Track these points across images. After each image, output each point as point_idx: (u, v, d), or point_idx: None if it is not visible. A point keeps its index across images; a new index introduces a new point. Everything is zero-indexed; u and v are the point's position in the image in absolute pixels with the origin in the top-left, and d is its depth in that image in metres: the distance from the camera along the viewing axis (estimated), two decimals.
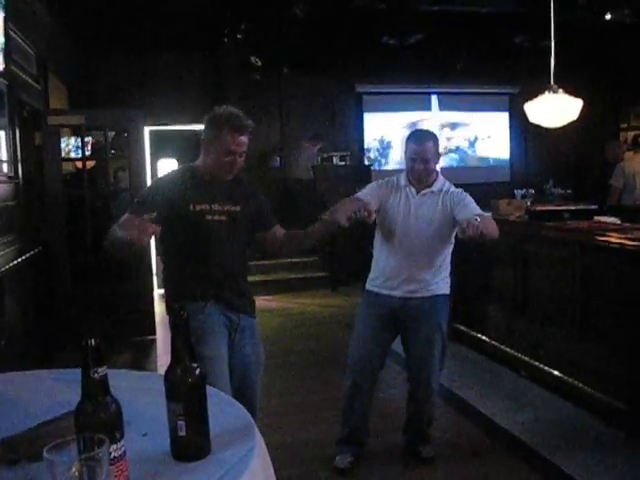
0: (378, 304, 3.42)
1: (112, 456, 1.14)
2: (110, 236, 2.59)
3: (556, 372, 4.40)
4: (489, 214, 3.32)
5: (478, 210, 3.22)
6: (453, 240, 3.39)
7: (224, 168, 2.75)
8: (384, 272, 3.40)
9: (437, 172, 3.39)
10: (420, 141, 3.31)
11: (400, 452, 3.70)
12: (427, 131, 3.50)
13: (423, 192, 3.33)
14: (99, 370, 1.19)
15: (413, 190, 3.34)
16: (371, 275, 3.50)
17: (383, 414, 4.01)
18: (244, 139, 2.70)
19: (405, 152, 3.36)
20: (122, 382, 1.73)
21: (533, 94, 6.06)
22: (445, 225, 3.30)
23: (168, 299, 2.90)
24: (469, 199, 3.30)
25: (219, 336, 2.79)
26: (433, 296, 3.37)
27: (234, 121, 2.67)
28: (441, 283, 3.40)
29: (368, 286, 3.50)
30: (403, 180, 3.39)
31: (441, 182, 3.37)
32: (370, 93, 10.58)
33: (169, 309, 2.83)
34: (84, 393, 1.21)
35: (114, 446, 1.16)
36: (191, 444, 1.36)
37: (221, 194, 2.81)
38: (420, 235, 3.29)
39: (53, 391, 1.79)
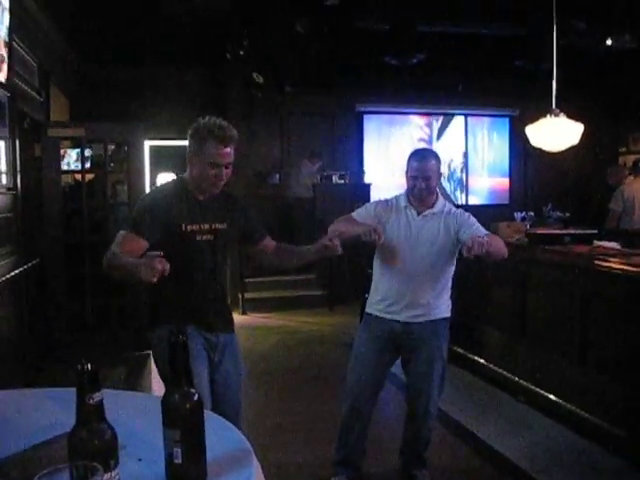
0: (379, 328, 3.36)
1: None
2: (113, 260, 2.51)
3: (554, 397, 4.36)
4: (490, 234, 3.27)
5: (483, 231, 3.20)
6: (455, 262, 3.35)
7: (209, 181, 2.67)
8: (387, 296, 3.34)
9: (437, 193, 3.36)
10: (422, 159, 3.26)
11: (396, 475, 3.65)
12: (429, 149, 3.49)
13: (424, 213, 3.28)
14: (94, 396, 1.16)
15: (414, 212, 3.29)
16: (372, 298, 3.44)
17: (379, 435, 3.96)
18: (229, 150, 2.62)
19: (406, 171, 3.31)
20: (119, 403, 1.71)
21: (533, 117, 6.07)
22: (447, 247, 3.26)
23: (148, 320, 2.86)
24: (473, 219, 3.28)
25: (199, 360, 2.73)
26: (435, 320, 3.33)
27: (218, 132, 2.59)
28: (443, 307, 3.36)
29: (369, 309, 3.44)
30: (403, 201, 3.33)
31: (442, 203, 3.34)
32: (370, 112, 10.60)
33: (149, 330, 2.80)
34: (78, 419, 1.17)
35: (108, 475, 1.12)
36: (187, 472, 1.32)
37: (210, 212, 2.76)
38: (423, 258, 3.24)
39: (48, 411, 1.74)
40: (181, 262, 2.62)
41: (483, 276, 5.40)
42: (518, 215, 6.34)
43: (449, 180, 11.03)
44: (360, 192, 9.49)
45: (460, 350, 5.60)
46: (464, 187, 11.20)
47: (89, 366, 1.15)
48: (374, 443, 3.59)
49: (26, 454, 1.37)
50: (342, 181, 9.57)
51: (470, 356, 5.46)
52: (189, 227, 2.69)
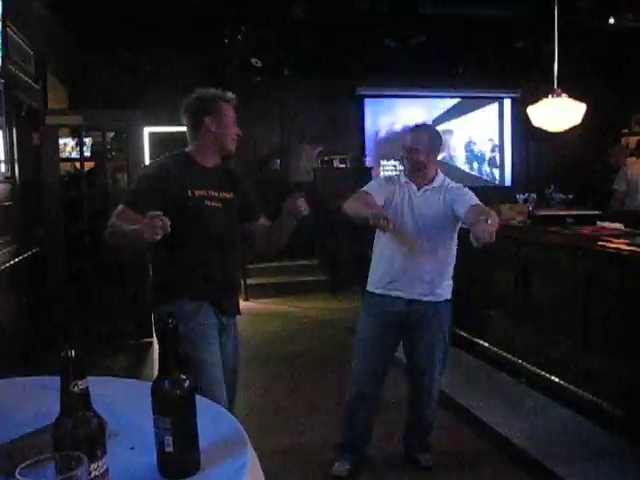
0: (381, 308, 3.32)
1: (92, 476, 1.07)
2: (114, 229, 2.55)
3: (556, 379, 4.34)
4: (482, 205, 3.16)
5: (475, 200, 3.16)
6: (456, 238, 3.32)
7: (232, 140, 2.83)
8: (388, 272, 3.30)
9: (437, 169, 3.34)
10: (413, 130, 3.32)
11: (399, 459, 3.64)
12: (425, 124, 3.46)
13: (425, 188, 3.27)
14: (79, 383, 1.12)
15: (414, 187, 3.28)
16: (373, 276, 3.39)
17: (382, 419, 3.94)
18: (235, 114, 2.85)
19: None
20: (112, 391, 1.69)
21: (535, 98, 6.01)
22: (448, 221, 3.23)
23: (156, 295, 2.81)
24: (466, 190, 3.26)
25: (215, 340, 2.75)
26: (438, 302, 3.30)
27: (230, 97, 2.83)
28: (446, 288, 3.33)
29: (370, 288, 3.39)
30: (403, 177, 3.34)
31: (441, 178, 3.32)
32: (371, 96, 10.52)
33: (154, 308, 2.78)
34: (63, 408, 1.14)
35: (94, 465, 1.09)
36: (179, 460, 1.29)
37: (215, 180, 2.82)
38: (424, 232, 3.21)
39: (35, 400, 1.70)
40: (193, 230, 2.67)
41: (485, 258, 5.37)
42: (520, 197, 6.30)
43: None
44: (361, 176, 9.44)
45: (463, 333, 5.58)
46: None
47: (73, 352, 1.12)
48: (376, 427, 3.57)
49: (13, 444, 1.34)
50: (343, 165, 9.52)
51: (473, 339, 5.44)
52: (197, 192, 2.72)
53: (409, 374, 3.54)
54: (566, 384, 4.24)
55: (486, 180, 11.07)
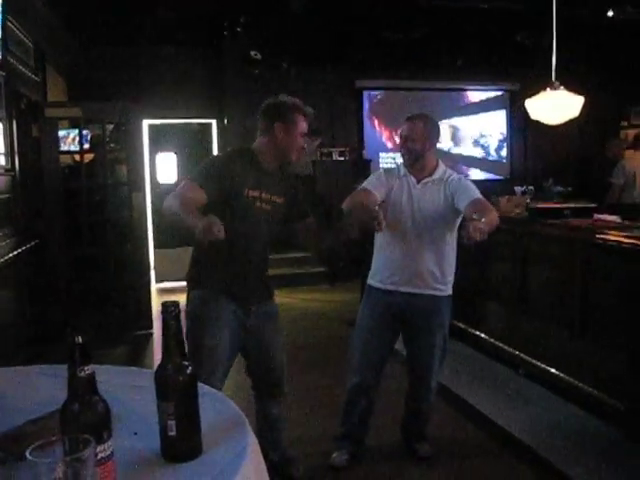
0: (381, 301, 3.34)
1: (99, 457, 1.10)
2: (173, 207, 2.64)
3: (555, 371, 4.37)
4: (483, 200, 3.18)
5: (477, 194, 3.16)
6: (456, 231, 3.31)
7: (298, 150, 2.94)
8: (389, 266, 3.31)
9: (437, 160, 3.33)
10: (409, 119, 3.29)
11: (397, 450, 3.67)
12: (421, 113, 3.38)
13: (424, 181, 3.26)
14: (86, 368, 1.16)
15: (413, 179, 3.27)
16: (373, 270, 3.41)
17: (381, 410, 3.97)
18: (307, 125, 2.96)
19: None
20: (115, 379, 1.72)
21: (533, 91, 6.03)
22: (449, 214, 3.22)
23: (190, 284, 3.00)
24: (467, 183, 3.26)
25: (222, 323, 2.86)
26: (440, 297, 3.31)
27: (305, 109, 2.95)
28: (448, 284, 3.33)
29: (371, 281, 3.41)
30: (402, 170, 3.33)
31: (442, 170, 3.30)
32: (370, 88, 10.53)
33: (190, 287, 2.97)
34: (70, 392, 1.17)
35: (101, 447, 1.12)
36: (182, 444, 1.32)
37: (273, 183, 2.93)
38: (424, 226, 3.21)
39: (42, 387, 1.75)
40: (238, 227, 2.76)
41: (484, 250, 5.39)
42: (518, 189, 6.33)
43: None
44: (360, 168, 9.48)
45: (461, 324, 5.61)
46: None
47: (80, 338, 1.15)
48: (375, 417, 3.60)
49: (21, 429, 1.37)
50: (342, 158, 9.55)
51: (471, 330, 5.47)
52: (251, 192, 2.84)
53: (408, 366, 3.56)
54: (564, 376, 4.27)
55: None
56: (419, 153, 3.24)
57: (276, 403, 3.18)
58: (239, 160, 2.88)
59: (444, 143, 10.59)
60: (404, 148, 3.27)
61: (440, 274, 3.28)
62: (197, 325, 2.84)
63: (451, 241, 3.31)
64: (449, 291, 3.36)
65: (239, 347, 3.00)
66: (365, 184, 3.31)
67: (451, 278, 3.36)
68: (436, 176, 3.26)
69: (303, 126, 2.92)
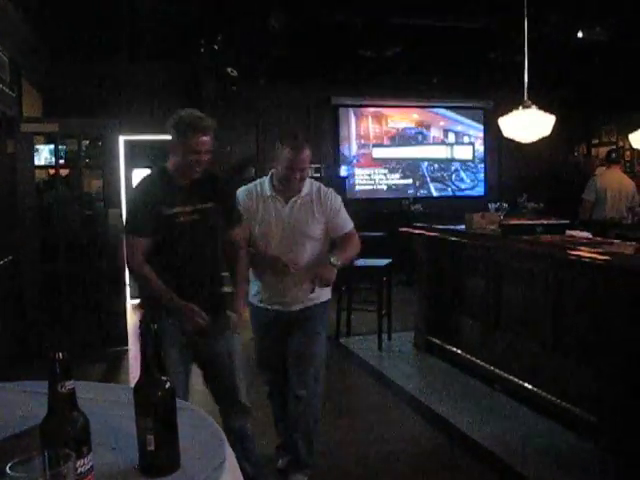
0: (263, 316, 3.38)
1: (79, 472, 1.12)
2: (147, 280, 2.86)
3: (529, 385, 4.42)
4: (350, 232, 3.33)
5: (349, 225, 3.31)
6: (327, 239, 3.33)
7: (191, 166, 2.88)
8: (265, 287, 3.31)
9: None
10: (299, 149, 3.14)
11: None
12: (303, 138, 3.24)
13: (293, 200, 3.23)
14: (66, 384, 1.17)
15: (282, 200, 3.24)
16: (251, 289, 3.38)
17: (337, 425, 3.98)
18: (206, 139, 2.86)
19: (279, 159, 3.19)
20: (92, 394, 1.72)
21: (507, 109, 6.13)
22: (319, 229, 3.25)
23: (144, 310, 3.08)
24: (342, 209, 3.32)
25: (168, 342, 2.78)
26: (316, 305, 3.32)
27: (197, 123, 2.85)
28: (322, 290, 3.30)
29: (250, 299, 3.39)
30: (268, 190, 3.26)
31: (308, 185, 3.27)
32: (345, 105, 10.62)
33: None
34: (50, 407, 1.18)
35: (81, 461, 1.14)
36: (160, 459, 1.34)
37: (193, 194, 2.92)
38: (297, 245, 3.20)
39: (20, 404, 1.75)
40: (168, 247, 2.85)
41: (458, 266, 5.46)
42: (492, 206, 6.41)
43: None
44: (336, 185, 9.51)
45: (436, 340, 5.66)
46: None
47: (61, 354, 1.17)
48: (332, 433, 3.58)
49: (0, 445, 1.38)
50: (318, 174, 9.58)
51: (446, 346, 5.52)
52: (169, 211, 2.85)
53: (292, 379, 3.43)
54: (538, 390, 4.32)
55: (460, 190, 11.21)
56: (306, 177, 3.24)
57: (238, 417, 3.13)
58: (154, 184, 2.95)
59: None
60: (297, 180, 3.18)
61: (318, 289, 3.26)
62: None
63: (323, 252, 3.30)
64: (324, 297, 3.37)
65: (191, 362, 3.03)
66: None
67: (324, 289, 3.34)
68: (303, 193, 3.24)
69: (200, 140, 2.84)
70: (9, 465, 1.01)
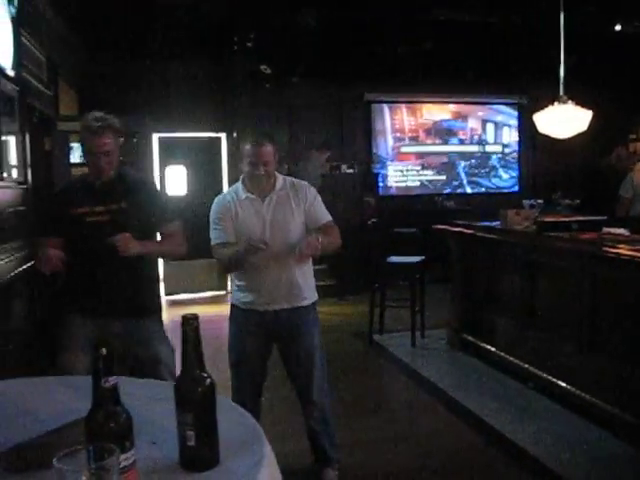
0: (248, 320, 3.26)
1: (122, 466, 1.13)
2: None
3: (564, 384, 4.37)
4: (330, 223, 3.27)
5: (327, 216, 3.25)
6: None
7: (91, 169, 2.94)
8: (250, 287, 3.23)
9: (275, 174, 3.26)
10: (256, 144, 3.13)
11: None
12: (265, 135, 3.24)
13: (268, 197, 3.20)
14: (110, 379, 1.19)
15: (257, 199, 3.21)
16: (236, 290, 3.32)
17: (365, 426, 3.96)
18: (103, 140, 2.86)
19: (242, 157, 3.19)
20: (132, 390, 1.74)
21: (542, 104, 6.06)
22: (300, 220, 3.21)
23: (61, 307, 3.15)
24: (318, 200, 3.28)
25: (77, 343, 2.95)
26: (305, 307, 3.27)
27: (91, 125, 2.86)
28: (310, 290, 3.29)
29: (234, 301, 3.33)
30: (242, 191, 3.23)
31: (281, 181, 3.26)
32: (379, 101, 10.59)
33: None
34: (95, 402, 1.21)
35: (124, 455, 1.15)
36: (200, 454, 1.36)
37: (105, 194, 2.96)
38: (281, 241, 3.14)
39: (61, 398, 1.79)
40: (79, 246, 2.89)
41: (492, 264, 5.42)
42: (527, 202, 6.33)
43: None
44: (369, 181, 9.54)
45: (470, 338, 5.63)
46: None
47: (105, 350, 1.19)
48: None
49: (43, 439, 1.40)
50: (350, 170, 9.59)
51: (480, 343, 5.49)
52: (78, 210, 2.91)
53: (294, 383, 3.44)
54: (573, 389, 4.27)
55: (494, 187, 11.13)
56: (272, 172, 3.21)
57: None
58: (68, 186, 3.11)
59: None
60: (261, 175, 3.15)
61: (301, 283, 3.24)
62: (57, 342, 3.02)
63: None
64: (313, 298, 3.33)
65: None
66: (216, 239, 3.20)
67: (313, 283, 3.33)
68: (277, 188, 3.22)
69: (94, 142, 2.85)
70: (56, 458, 1.03)
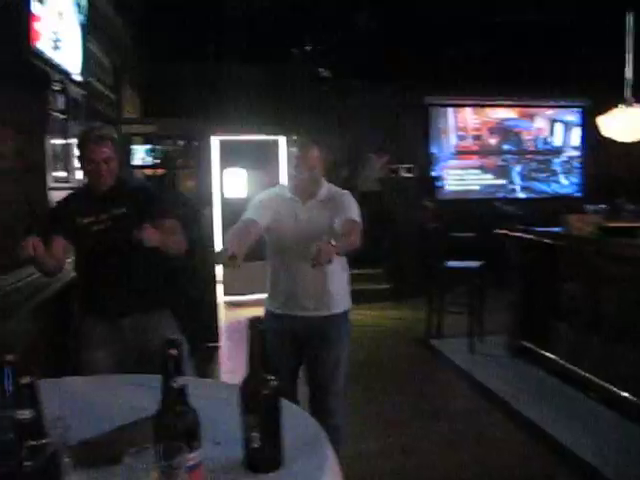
0: (279, 326, 3.18)
1: (189, 464, 1.15)
2: None
3: (628, 395, 4.26)
4: (354, 220, 3.09)
5: (352, 214, 3.10)
6: None
7: (92, 178, 2.96)
8: (282, 291, 3.19)
9: (322, 180, 3.21)
10: (304, 147, 3.14)
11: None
12: (311, 139, 3.22)
13: (310, 203, 3.16)
14: (178, 380, 1.22)
15: (299, 201, 3.17)
16: (268, 295, 3.29)
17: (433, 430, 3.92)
18: (102, 148, 2.91)
19: (290, 160, 3.21)
20: (196, 390, 1.77)
21: (606, 107, 5.93)
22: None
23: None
24: (348, 202, 3.17)
25: (99, 349, 3.00)
26: (337, 314, 3.20)
27: (89, 133, 2.95)
28: (341, 299, 3.23)
29: (267, 306, 3.29)
30: (287, 192, 3.21)
31: (326, 189, 3.21)
32: (437, 105, 10.53)
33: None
34: (163, 402, 1.23)
35: (191, 455, 1.18)
36: (264, 456, 1.37)
37: (107, 201, 3.00)
38: (311, 244, 2.98)
39: (127, 396, 1.83)
40: (86, 254, 3.01)
41: (553, 269, 5.32)
42: (590, 208, 6.20)
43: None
44: (426, 185, 9.50)
45: (529, 344, 5.53)
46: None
47: (174, 352, 1.21)
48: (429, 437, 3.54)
49: (112, 435, 1.44)
50: (409, 174, 9.56)
51: (539, 351, 5.39)
52: (84, 220, 2.97)
53: (310, 390, 3.32)
54: (636, 399, 4.16)
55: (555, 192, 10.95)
56: (318, 178, 3.17)
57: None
58: (73, 195, 3.14)
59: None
60: (305, 179, 3.13)
61: (333, 291, 3.18)
62: (76, 343, 3.07)
63: (340, 259, 3.15)
64: (345, 307, 3.25)
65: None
66: (248, 213, 3.16)
67: (345, 291, 3.27)
68: (321, 197, 3.18)
69: (93, 149, 2.89)
70: (126, 454, 1.05)
